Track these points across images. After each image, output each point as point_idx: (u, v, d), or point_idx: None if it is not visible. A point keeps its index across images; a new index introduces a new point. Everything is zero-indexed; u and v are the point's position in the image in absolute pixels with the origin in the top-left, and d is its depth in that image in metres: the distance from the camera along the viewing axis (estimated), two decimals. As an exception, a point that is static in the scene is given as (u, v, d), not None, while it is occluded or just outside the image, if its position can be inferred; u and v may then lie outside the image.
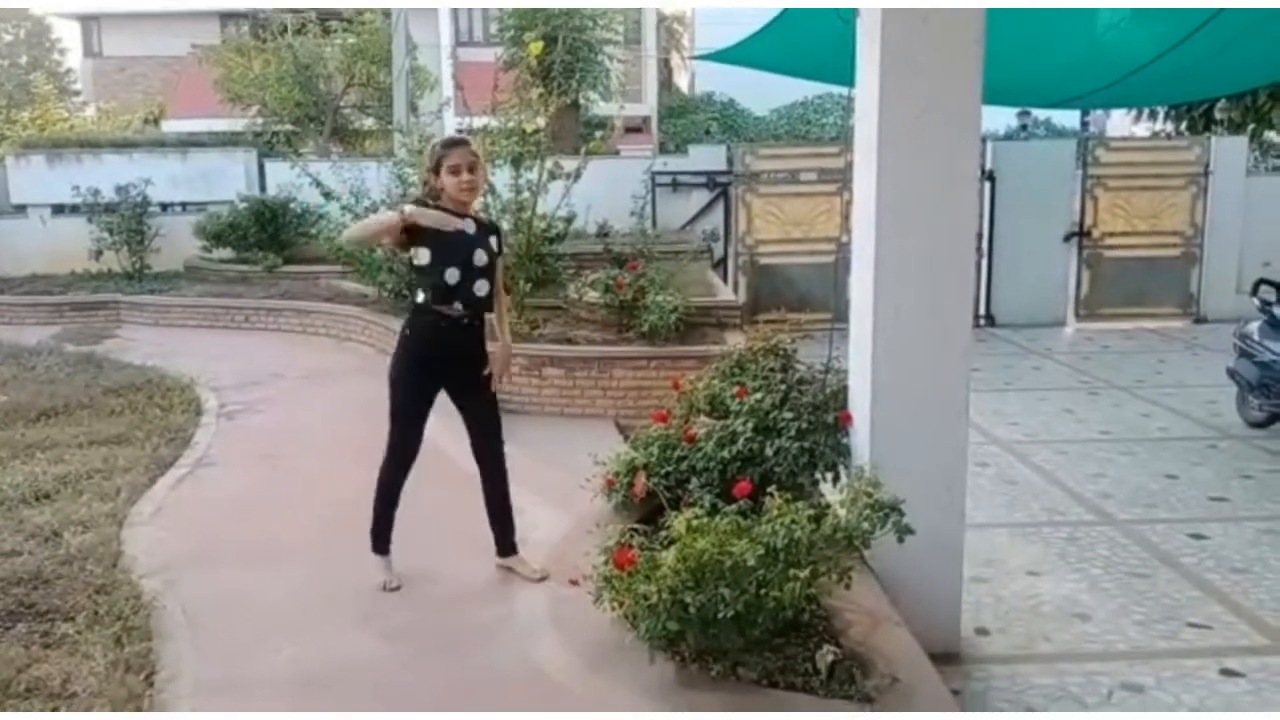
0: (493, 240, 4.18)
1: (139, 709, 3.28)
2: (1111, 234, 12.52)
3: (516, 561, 4.31)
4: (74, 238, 12.61)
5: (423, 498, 4.36)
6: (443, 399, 4.23)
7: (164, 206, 13.41)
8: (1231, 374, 7.70)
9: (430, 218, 3.94)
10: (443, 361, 4.14)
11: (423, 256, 4.00)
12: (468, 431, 4.30)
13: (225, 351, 9.43)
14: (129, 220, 12.42)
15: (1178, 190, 12.48)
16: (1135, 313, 12.53)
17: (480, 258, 4.06)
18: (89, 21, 29.87)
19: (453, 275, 4.00)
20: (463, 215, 4.05)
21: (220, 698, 3.38)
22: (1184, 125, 17.02)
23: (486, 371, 4.20)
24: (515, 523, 4.38)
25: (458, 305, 4.05)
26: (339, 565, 4.41)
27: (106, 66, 29.12)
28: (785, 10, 6.21)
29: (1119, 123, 24.28)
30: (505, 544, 4.34)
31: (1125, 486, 6.34)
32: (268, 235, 12.19)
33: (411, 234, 3.95)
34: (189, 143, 16.66)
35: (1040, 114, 24.43)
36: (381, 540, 4.28)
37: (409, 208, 3.97)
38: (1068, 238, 12.47)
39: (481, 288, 4.09)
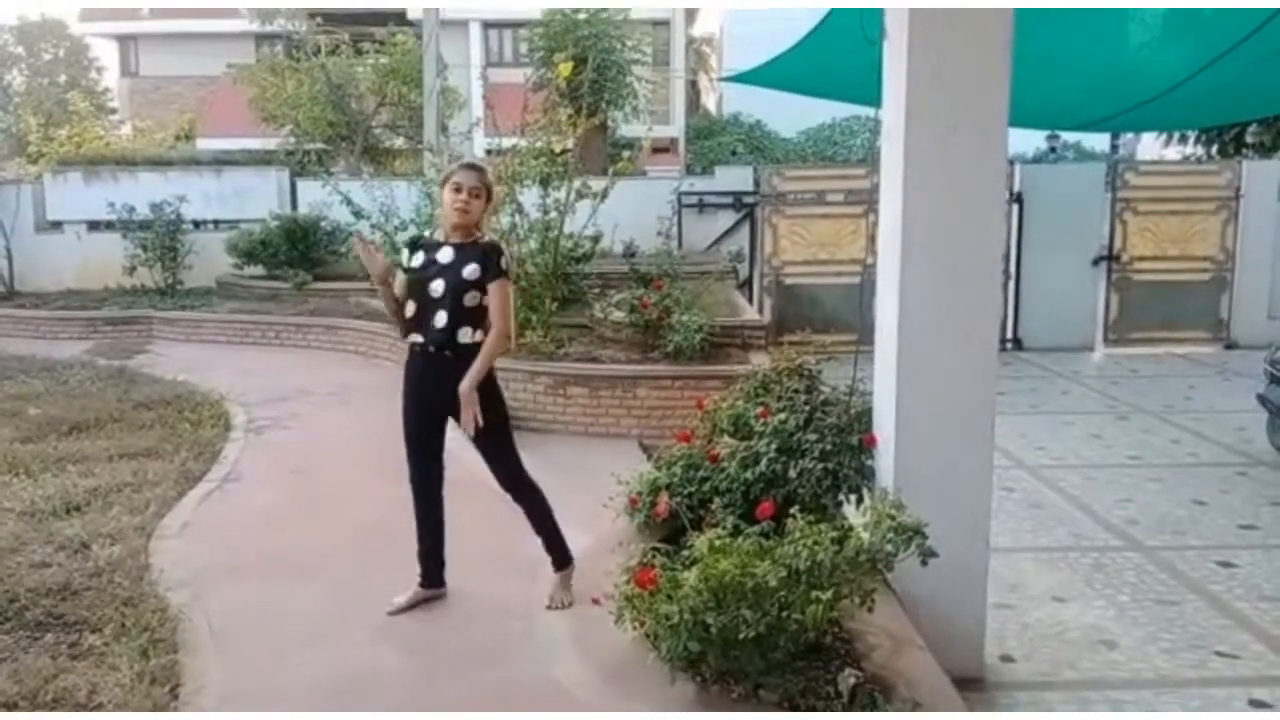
0: (468, 268, 3.88)
1: (164, 720, 3.32)
2: (1141, 258, 12.43)
3: (557, 580, 4.22)
4: (108, 253, 12.81)
5: (450, 516, 4.37)
6: None
7: (197, 224, 13.61)
8: (1262, 400, 7.60)
9: (364, 258, 3.91)
10: (419, 394, 4.04)
11: (398, 288, 4.01)
12: None
13: (255, 367, 9.54)
14: (163, 237, 12.61)
15: (1208, 215, 12.38)
16: (1165, 338, 12.41)
17: (437, 289, 3.88)
18: (126, 41, 30.40)
19: (410, 308, 3.97)
20: (449, 240, 3.98)
21: (244, 710, 3.41)
22: (1215, 149, 16.89)
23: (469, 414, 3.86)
24: (564, 541, 4.27)
25: (416, 337, 3.98)
26: (363, 580, 4.44)
27: (143, 85, 29.59)
28: (822, 21, 6.16)
29: (1149, 146, 24.15)
30: (554, 560, 4.26)
31: (1153, 512, 6.27)
32: (299, 253, 12.34)
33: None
34: (223, 161, 16.91)
35: (1070, 137, 24.42)
36: (420, 563, 4.22)
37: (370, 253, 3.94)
38: (1096, 261, 12.39)
39: (440, 319, 3.88)
